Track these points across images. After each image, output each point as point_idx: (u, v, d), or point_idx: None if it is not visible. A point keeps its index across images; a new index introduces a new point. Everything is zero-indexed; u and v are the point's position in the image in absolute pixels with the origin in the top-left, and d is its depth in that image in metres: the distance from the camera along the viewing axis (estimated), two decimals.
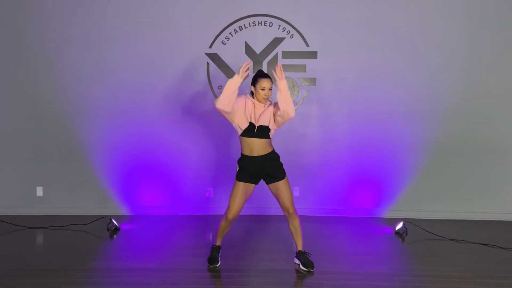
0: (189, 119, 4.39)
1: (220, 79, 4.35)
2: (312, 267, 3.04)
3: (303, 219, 4.34)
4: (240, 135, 2.99)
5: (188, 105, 4.37)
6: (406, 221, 4.02)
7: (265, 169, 3.00)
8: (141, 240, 3.72)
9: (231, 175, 4.46)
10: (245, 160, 3.00)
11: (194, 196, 4.51)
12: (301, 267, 3.08)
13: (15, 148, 4.39)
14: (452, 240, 3.76)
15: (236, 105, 2.91)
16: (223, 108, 2.84)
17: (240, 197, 3.00)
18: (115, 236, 3.82)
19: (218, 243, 3.20)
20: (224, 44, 4.32)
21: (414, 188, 4.45)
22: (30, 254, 3.33)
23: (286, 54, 4.33)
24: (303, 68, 4.32)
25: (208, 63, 4.33)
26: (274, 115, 2.96)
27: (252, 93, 3.02)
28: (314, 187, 4.45)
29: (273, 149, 3.05)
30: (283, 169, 3.06)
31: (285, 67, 4.30)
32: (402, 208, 4.47)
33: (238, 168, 3.05)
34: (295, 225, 3.13)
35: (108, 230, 3.91)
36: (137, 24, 4.27)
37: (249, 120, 2.93)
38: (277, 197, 3.07)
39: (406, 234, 3.89)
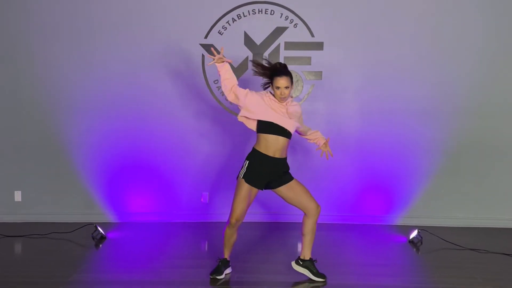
0: (183, 116, 4.38)
1: (216, 72, 4.31)
2: (325, 277, 3.05)
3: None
4: (258, 131, 2.99)
5: (182, 101, 4.36)
6: (421, 229, 4.01)
7: (275, 173, 2.99)
8: (130, 250, 3.70)
9: (229, 178, 4.46)
10: (257, 157, 2.98)
11: (188, 201, 4.50)
12: (313, 277, 3.06)
13: None
14: (471, 249, 3.75)
15: (253, 99, 2.94)
16: (234, 82, 2.98)
17: (244, 199, 2.97)
18: (101, 245, 3.80)
19: (225, 256, 3.13)
20: (221, 34, 4.31)
21: (429, 193, 4.44)
22: (7, 265, 3.31)
23: (289, 45, 4.32)
24: (307, 60, 4.32)
25: (203, 55, 4.32)
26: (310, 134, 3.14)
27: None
28: (321, 192, 4.43)
29: (286, 157, 3.06)
30: (290, 174, 3.08)
31: (288, 60, 4.30)
32: (416, 214, 4.46)
33: (246, 164, 3.00)
34: (314, 226, 3.04)
35: (93, 238, 3.90)
36: (125, 12, 4.26)
37: (274, 115, 2.92)
38: (293, 200, 3.04)
39: (421, 243, 3.88)
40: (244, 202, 2.97)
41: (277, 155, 2.97)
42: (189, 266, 3.31)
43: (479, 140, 4.37)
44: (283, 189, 3.02)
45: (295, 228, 4.24)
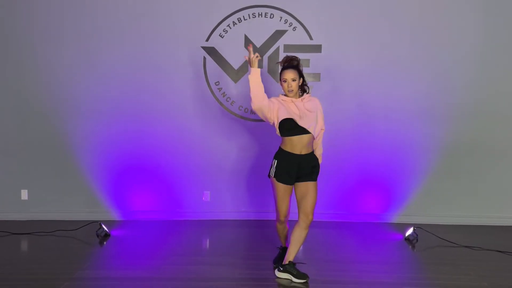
0: (185, 116, 4.36)
1: (218, 74, 4.32)
2: (306, 277, 2.97)
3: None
4: (282, 135, 3.00)
5: (183, 102, 4.35)
6: (417, 227, 3.99)
7: (303, 169, 2.99)
8: (133, 247, 3.69)
9: (229, 177, 4.46)
10: (284, 156, 3.00)
11: (190, 200, 4.49)
12: (294, 279, 2.98)
13: None
14: (466, 247, 3.73)
15: (272, 105, 2.92)
16: (260, 104, 2.86)
17: (284, 197, 3.03)
18: (105, 242, 3.79)
19: (284, 244, 3.31)
20: (222, 37, 4.30)
21: (425, 191, 4.42)
22: (14, 262, 3.31)
23: (288, 48, 4.30)
24: (306, 62, 4.30)
25: (204, 57, 4.31)
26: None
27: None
28: (319, 190, 4.41)
29: (313, 150, 3.07)
30: (318, 172, 3.08)
31: None
32: (412, 212, 4.44)
33: (275, 164, 3.01)
34: (302, 236, 3.00)
35: (97, 236, 3.89)
36: (128, 15, 4.24)
37: (292, 117, 2.90)
38: (301, 199, 3.03)
39: (417, 240, 3.87)
40: (285, 199, 3.03)
41: (304, 152, 2.98)
42: (190, 263, 3.30)
43: (474, 140, 4.35)
44: (301, 184, 3.02)
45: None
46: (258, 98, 2.88)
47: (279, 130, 3.00)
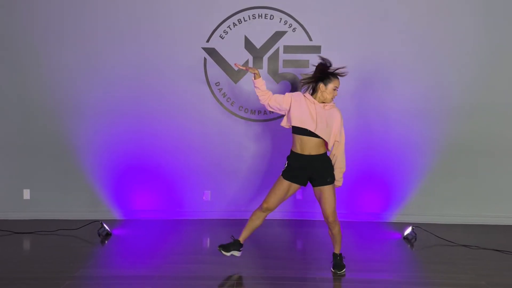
0: (185, 117, 4.38)
1: (218, 75, 4.34)
2: (340, 269, 3.10)
3: (306, 223, 4.36)
4: (293, 132, 3.03)
5: (184, 102, 4.36)
6: (415, 226, 4.01)
7: (314, 170, 3.01)
8: (134, 246, 3.71)
9: (229, 177, 4.47)
10: (294, 157, 3.04)
11: (191, 199, 4.50)
12: (332, 268, 3.14)
13: (0, 148, 4.37)
14: (463, 246, 3.75)
15: (296, 105, 2.99)
16: (267, 101, 3.05)
17: (279, 193, 3.05)
18: (106, 241, 3.81)
19: (241, 238, 3.17)
20: (223, 38, 4.31)
21: (423, 191, 4.44)
22: (16, 260, 3.32)
23: (288, 49, 4.32)
24: (305, 63, 4.32)
25: (205, 58, 4.32)
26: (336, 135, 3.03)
27: (313, 90, 3.04)
28: None
29: (326, 152, 3.07)
30: (333, 174, 3.07)
31: (287, 63, 4.30)
32: (411, 212, 4.46)
33: (286, 165, 3.08)
34: (334, 233, 3.12)
35: (99, 235, 3.90)
36: (130, 17, 4.25)
37: (313, 120, 2.95)
38: (319, 202, 3.07)
39: (415, 239, 3.88)
40: (279, 195, 3.05)
41: (313, 153, 3.00)
42: (191, 262, 3.32)
43: (472, 140, 4.37)
44: (316, 189, 3.06)
45: (303, 226, 4.27)
46: (263, 100, 3.10)
47: (292, 127, 3.05)
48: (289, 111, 3.05)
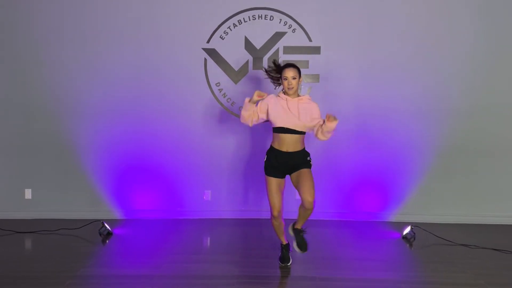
0: (186, 117, 4.38)
1: (218, 75, 4.35)
2: (305, 249, 3.07)
3: (305, 223, 4.35)
4: (273, 131, 3.09)
5: (185, 103, 4.36)
6: (414, 225, 4.01)
7: (292, 163, 3.05)
8: (135, 245, 3.71)
9: (229, 177, 4.48)
10: (273, 153, 3.09)
11: (191, 199, 4.50)
12: (294, 246, 3.11)
13: (2, 148, 4.38)
14: (462, 245, 3.75)
15: (272, 108, 3.04)
16: (249, 123, 3.10)
17: (275, 191, 3.08)
18: (107, 241, 3.81)
19: (284, 242, 3.26)
20: (223, 39, 4.32)
21: (422, 190, 4.44)
22: (18, 260, 3.33)
23: (288, 50, 4.33)
24: (305, 64, 4.32)
25: (205, 59, 4.33)
26: (319, 125, 3.05)
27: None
28: (317, 189, 4.39)
29: (304, 148, 3.12)
30: (309, 163, 3.10)
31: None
32: (409, 211, 4.46)
33: (265, 159, 3.13)
34: (307, 213, 3.04)
35: (100, 234, 3.91)
36: (130, 18, 4.26)
37: (287, 115, 3.00)
38: (297, 186, 3.05)
39: (414, 239, 3.88)
40: (277, 194, 3.08)
41: (291, 150, 3.05)
42: (191, 261, 3.32)
43: (471, 140, 4.37)
44: (294, 175, 3.09)
45: (303, 225, 4.26)
46: (246, 119, 3.12)
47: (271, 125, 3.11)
48: (268, 115, 3.09)
